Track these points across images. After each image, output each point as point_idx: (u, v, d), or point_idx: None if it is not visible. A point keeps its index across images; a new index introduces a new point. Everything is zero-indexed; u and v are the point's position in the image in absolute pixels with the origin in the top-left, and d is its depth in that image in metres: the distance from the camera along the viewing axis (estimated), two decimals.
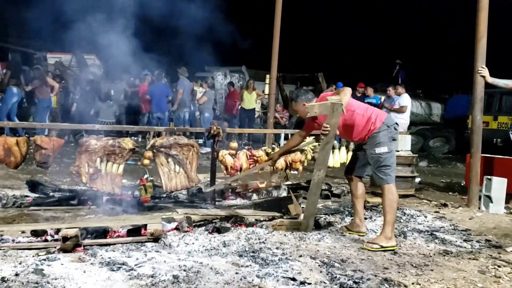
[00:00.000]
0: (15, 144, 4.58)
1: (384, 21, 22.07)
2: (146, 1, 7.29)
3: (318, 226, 4.77)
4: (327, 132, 4.32)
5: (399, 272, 3.59)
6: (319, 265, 3.62)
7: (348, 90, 4.42)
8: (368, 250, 4.12)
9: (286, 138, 13.75)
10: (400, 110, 10.35)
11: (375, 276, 3.47)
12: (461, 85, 16.63)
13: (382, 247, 4.14)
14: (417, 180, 7.78)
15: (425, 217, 5.57)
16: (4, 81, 10.72)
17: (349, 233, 4.64)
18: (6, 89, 10.72)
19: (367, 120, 4.42)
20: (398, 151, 6.77)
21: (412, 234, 4.76)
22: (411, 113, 11.65)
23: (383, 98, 11.98)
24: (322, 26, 21.69)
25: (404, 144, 7.18)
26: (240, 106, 13.71)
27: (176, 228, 4.36)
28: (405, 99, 10.53)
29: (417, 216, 5.57)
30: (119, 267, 3.35)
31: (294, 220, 4.71)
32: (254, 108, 14.12)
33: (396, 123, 4.56)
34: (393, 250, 4.15)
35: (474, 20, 6.38)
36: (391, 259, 3.92)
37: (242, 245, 4.03)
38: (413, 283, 3.36)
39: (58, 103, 12.46)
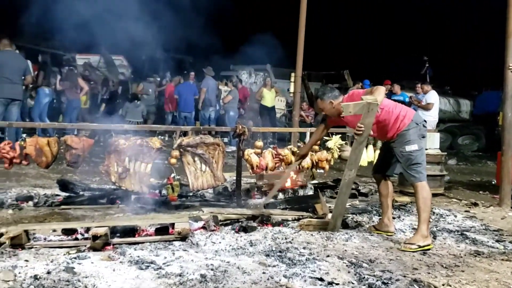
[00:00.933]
0: (46, 144, 4.68)
1: (411, 16, 21.73)
2: (172, 2, 7.36)
3: (345, 226, 4.73)
4: (361, 132, 4.28)
5: (429, 273, 3.53)
6: (347, 265, 3.59)
7: (382, 89, 4.36)
8: (407, 251, 4.05)
9: (311, 136, 13.77)
10: (426, 107, 10.22)
11: (404, 276, 3.41)
12: (490, 81, 16.28)
13: (419, 246, 4.09)
14: (446, 178, 7.64)
15: (455, 216, 5.47)
16: (38, 82, 10.94)
17: (377, 233, 4.59)
18: (38, 90, 10.95)
19: (396, 118, 4.36)
20: (426, 149, 6.67)
21: (442, 234, 4.67)
22: (440, 110, 11.47)
23: (410, 95, 11.82)
24: (347, 23, 21.51)
25: (433, 142, 7.06)
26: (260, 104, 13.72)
27: (203, 227, 4.39)
28: (431, 96, 10.39)
29: (447, 215, 5.47)
30: (148, 266, 3.38)
31: (322, 220, 4.68)
32: (274, 106, 14.10)
33: (425, 120, 4.50)
34: (429, 249, 4.11)
35: (504, 16, 6.25)
36: (420, 260, 3.86)
37: (269, 244, 4.03)
38: (443, 285, 3.30)
39: (87, 103, 12.67)
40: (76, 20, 6.87)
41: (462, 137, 16.27)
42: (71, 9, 6.82)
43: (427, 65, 16.45)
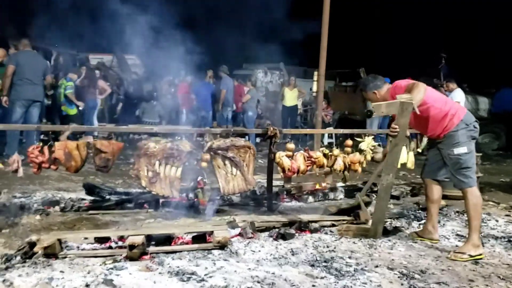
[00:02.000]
0: (76, 148, 4.51)
1: (426, 12, 21.39)
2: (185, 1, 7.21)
3: (385, 232, 4.52)
4: (396, 133, 4.05)
5: (487, 286, 3.34)
6: (398, 277, 3.40)
7: (422, 86, 4.01)
8: (457, 260, 3.84)
9: (329, 137, 13.56)
10: None
11: None
12: (509, 78, 15.96)
13: (471, 256, 3.87)
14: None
15: (497, 221, 5.24)
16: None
17: (420, 240, 4.38)
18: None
19: (444, 116, 4.09)
20: None
21: (489, 241, 4.46)
22: None
23: None
24: (363, 20, 21.20)
25: None
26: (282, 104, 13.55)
27: (240, 234, 4.21)
28: (457, 95, 10.10)
29: (488, 220, 5.25)
30: (189, 277, 3.22)
31: (362, 226, 4.48)
32: (296, 105, 13.91)
33: (476, 121, 4.16)
34: (481, 258, 3.89)
35: None
36: (474, 270, 3.66)
37: (311, 253, 3.84)
38: None
39: (104, 104, 12.54)
40: (89, 20, 6.77)
41: (481, 135, 15.93)
42: (82, 9, 6.71)
43: (443, 61, 16.18)
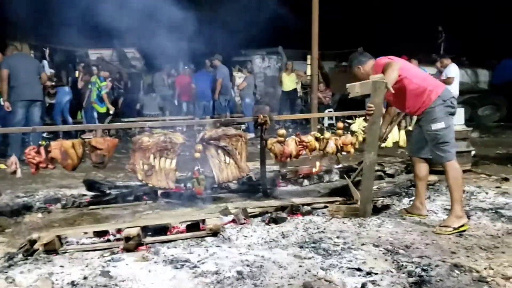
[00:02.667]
0: (71, 147, 4.67)
1: None
2: None
3: (376, 210, 4.66)
4: (372, 112, 4.20)
5: (468, 257, 3.46)
6: (383, 253, 3.54)
7: (396, 65, 4.13)
8: (442, 234, 3.98)
9: (330, 119, 13.63)
10: (447, 82, 9.98)
11: (443, 262, 3.35)
12: (509, 49, 15.85)
13: (455, 228, 4.01)
14: (472, 153, 7.48)
15: (486, 193, 5.36)
16: (63, 82, 10.99)
17: (409, 216, 4.51)
18: (58, 89, 11.00)
19: (422, 92, 4.20)
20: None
21: (476, 213, 4.58)
22: None
23: (428, 69, 11.58)
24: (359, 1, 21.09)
25: (458, 118, 6.88)
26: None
27: (233, 221, 4.36)
28: (451, 70, 10.15)
29: (478, 193, 5.37)
30: (183, 265, 3.37)
31: (352, 206, 4.62)
32: (296, 89, 13.97)
33: (453, 97, 4.29)
34: (465, 230, 4.03)
35: None
36: (457, 242, 3.78)
37: (301, 235, 3.99)
38: (485, 268, 3.22)
39: (108, 98, 12.68)
40: (86, 14, 6.84)
41: (481, 108, 15.95)
42: (81, 4, 6.79)
43: (442, 36, 16.11)
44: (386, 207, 4.84)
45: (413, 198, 5.05)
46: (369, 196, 4.50)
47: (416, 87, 4.22)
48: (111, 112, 10.86)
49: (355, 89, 4.21)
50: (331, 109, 14.37)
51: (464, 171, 6.53)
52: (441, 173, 5.97)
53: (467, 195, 5.32)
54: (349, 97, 4.37)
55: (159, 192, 5.41)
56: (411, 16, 19.73)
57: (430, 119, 4.22)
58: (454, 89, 10.16)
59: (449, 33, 16.20)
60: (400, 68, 4.17)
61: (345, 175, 5.66)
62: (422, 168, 4.55)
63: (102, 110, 10.77)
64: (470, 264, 3.31)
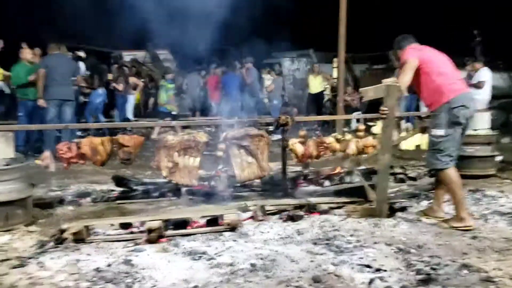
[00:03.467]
0: (100, 144, 4.93)
1: None
2: None
3: (393, 211, 4.73)
4: (385, 115, 4.31)
5: (479, 258, 3.52)
6: (394, 252, 3.63)
7: (408, 66, 4.22)
8: (440, 227, 4.18)
9: (357, 121, 13.62)
10: (478, 86, 9.87)
11: (453, 261, 3.42)
12: None
13: (453, 227, 4.14)
14: (499, 158, 7.41)
15: (508, 198, 5.33)
16: (95, 84, 11.41)
17: (426, 218, 4.57)
18: (92, 91, 11.43)
19: (435, 90, 4.27)
20: (476, 129, 6.53)
21: (494, 217, 4.59)
22: (492, 87, 11.05)
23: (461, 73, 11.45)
24: (392, 2, 20.96)
25: (483, 122, 6.87)
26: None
27: (252, 217, 4.52)
28: (483, 74, 10.03)
29: (499, 197, 5.35)
30: (200, 256, 3.55)
31: (368, 206, 4.71)
32: (322, 92, 14.03)
33: (463, 106, 4.22)
34: (467, 230, 4.12)
35: None
36: (470, 244, 3.83)
37: (316, 232, 4.11)
38: (494, 269, 3.28)
39: (141, 99, 13.10)
40: (122, 17, 7.11)
41: None
42: (116, 7, 7.05)
43: (478, 39, 15.82)
44: (403, 208, 4.90)
45: (432, 201, 5.13)
46: (384, 196, 4.59)
47: (432, 84, 4.29)
48: (174, 112, 11.50)
49: (368, 93, 4.36)
50: (359, 112, 14.34)
51: (488, 176, 6.59)
52: (466, 177, 6.10)
53: (489, 199, 5.31)
54: (362, 100, 4.51)
55: (183, 189, 5.61)
56: (445, 19, 19.50)
57: (434, 123, 4.32)
58: (485, 94, 10.05)
59: (483, 35, 15.87)
60: (421, 60, 4.26)
61: (361, 177, 5.74)
62: None
63: (172, 109, 11.55)
64: (479, 264, 3.37)
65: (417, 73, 4.31)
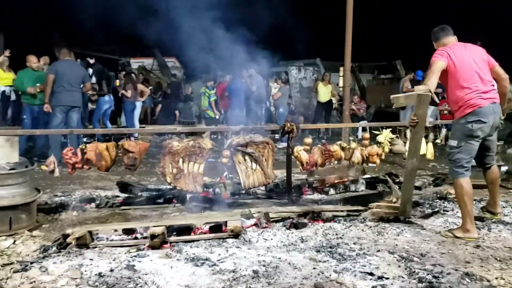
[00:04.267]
0: (105, 149, 4.96)
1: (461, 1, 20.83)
2: (219, 2, 7.53)
3: (396, 220, 4.71)
4: (415, 124, 4.37)
5: (482, 266, 3.50)
6: (397, 260, 3.61)
7: (435, 67, 4.25)
8: (442, 236, 4.23)
9: (363, 130, 13.60)
10: None
11: (456, 270, 3.40)
12: None
13: (456, 237, 4.17)
14: (504, 169, 7.36)
15: None
16: (103, 90, 11.47)
17: (484, 213, 4.82)
18: (98, 98, 11.50)
19: (456, 102, 4.35)
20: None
21: (497, 226, 4.57)
22: None
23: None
24: (397, 11, 21.00)
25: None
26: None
27: (255, 224, 4.52)
28: None
29: (503, 207, 5.31)
30: (203, 263, 3.55)
31: (392, 204, 4.77)
32: (331, 100, 14.03)
33: (479, 120, 4.23)
34: (470, 240, 4.13)
35: None
36: (473, 253, 3.81)
37: (320, 240, 4.10)
38: (496, 278, 3.26)
39: (147, 106, 13.15)
40: (130, 25, 7.18)
41: None
42: (124, 13, 7.11)
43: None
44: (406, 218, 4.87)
45: (435, 209, 5.20)
46: (409, 197, 4.67)
47: (454, 95, 4.36)
48: (217, 117, 12.21)
49: (399, 100, 4.51)
50: (365, 121, 14.33)
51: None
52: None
53: None
54: (393, 107, 4.64)
55: (188, 196, 5.62)
56: (459, 28, 19.46)
57: (452, 132, 4.44)
58: None
59: (488, 46, 15.84)
60: (449, 65, 4.30)
61: (386, 175, 5.78)
62: (489, 174, 4.72)
63: (213, 115, 12.39)
64: (482, 273, 3.35)
65: (445, 75, 4.35)
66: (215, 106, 12.47)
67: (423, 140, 6.42)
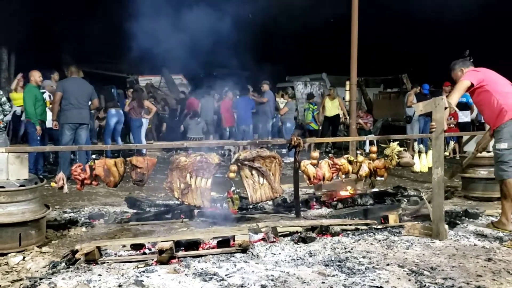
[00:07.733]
0: (114, 165, 4.99)
1: (465, 16, 20.81)
2: (226, 19, 7.63)
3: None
4: (434, 129, 4.50)
5: (494, 280, 3.45)
6: (407, 273, 3.58)
7: (461, 85, 4.62)
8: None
9: (371, 144, 13.58)
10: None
11: (467, 284, 3.36)
12: None
13: (495, 227, 4.72)
14: None
15: None
16: (101, 104, 11.57)
17: (495, 229, 4.78)
18: (107, 112, 11.60)
19: (499, 110, 4.59)
20: (489, 151, 6.45)
21: (510, 238, 4.50)
22: None
23: None
24: (403, 26, 21.05)
25: None
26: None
27: (263, 239, 4.50)
28: None
29: None
30: (211, 278, 3.53)
31: (427, 225, 4.69)
32: (338, 115, 14.05)
33: None
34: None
35: None
36: (485, 266, 3.76)
37: (328, 254, 4.07)
38: None
39: (152, 123, 13.22)
40: (138, 44, 7.28)
41: None
42: (131, 33, 7.22)
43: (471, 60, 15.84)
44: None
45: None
46: (441, 214, 4.51)
47: (494, 103, 4.61)
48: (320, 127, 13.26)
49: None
50: (372, 135, 14.31)
51: None
52: (480, 200, 6.11)
53: None
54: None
55: (195, 211, 5.62)
56: (454, 43, 19.48)
57: (497, 138, 4.64)
58: None
59: (490, 60, 15.85)
60: (482, 80, 4.65)
61: (420, 194, 5.78)
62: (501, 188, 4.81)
63: (316, 127, 13.51)
64: (494, 287, 3.31)
65: (477, 93, 4.72)
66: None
67: (430, 152, 6.42)
